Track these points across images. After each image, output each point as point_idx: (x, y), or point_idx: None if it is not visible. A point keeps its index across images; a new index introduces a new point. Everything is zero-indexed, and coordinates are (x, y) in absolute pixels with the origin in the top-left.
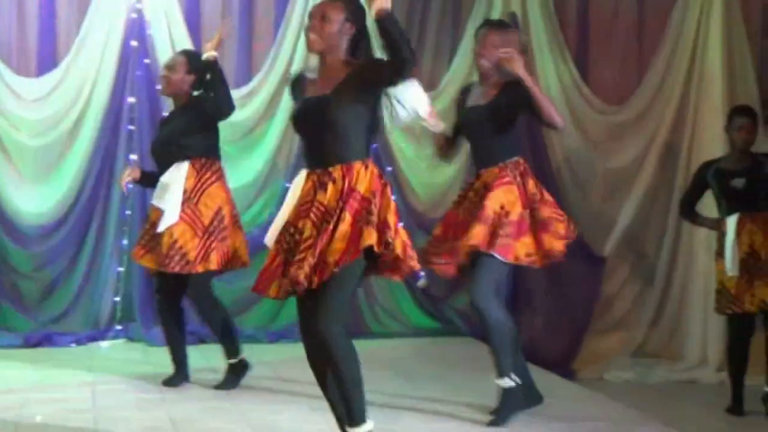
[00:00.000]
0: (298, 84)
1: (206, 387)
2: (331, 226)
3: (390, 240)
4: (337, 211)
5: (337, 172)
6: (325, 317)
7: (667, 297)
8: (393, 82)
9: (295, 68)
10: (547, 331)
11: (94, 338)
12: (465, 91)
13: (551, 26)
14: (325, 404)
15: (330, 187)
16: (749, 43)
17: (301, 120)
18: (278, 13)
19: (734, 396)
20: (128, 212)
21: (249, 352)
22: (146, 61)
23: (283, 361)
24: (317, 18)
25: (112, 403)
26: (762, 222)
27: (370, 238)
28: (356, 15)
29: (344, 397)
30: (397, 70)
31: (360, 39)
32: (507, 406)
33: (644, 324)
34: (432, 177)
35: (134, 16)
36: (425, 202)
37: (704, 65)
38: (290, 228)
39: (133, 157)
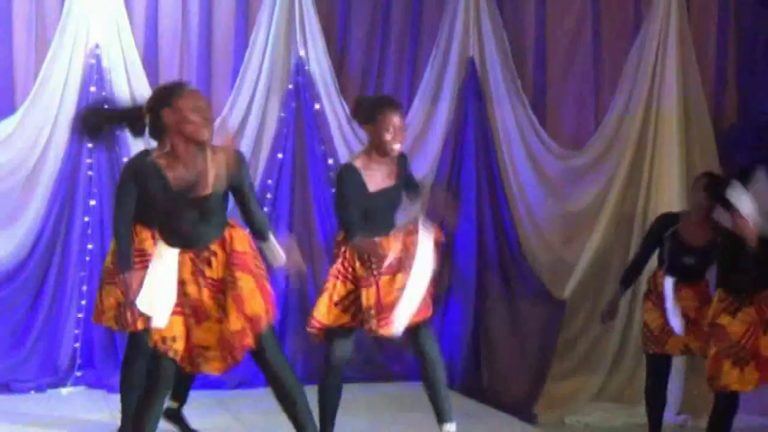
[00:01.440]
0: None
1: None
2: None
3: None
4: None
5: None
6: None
7: (627, 340)
8: None
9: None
10: (507, 375)
11: (53, 385)
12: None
13: (508, 71)
14: None
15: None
16: (704, 87)
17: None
18: (236, 62)
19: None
20: (87, 258)
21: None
22: (103, 93)
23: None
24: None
25: None
26: (697, 290)
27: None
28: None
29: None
30: None
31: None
32: None
33: (604, 367)
34: None
35: (92, 61)
36: None
37: (661, 108)
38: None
39: (92, 203)
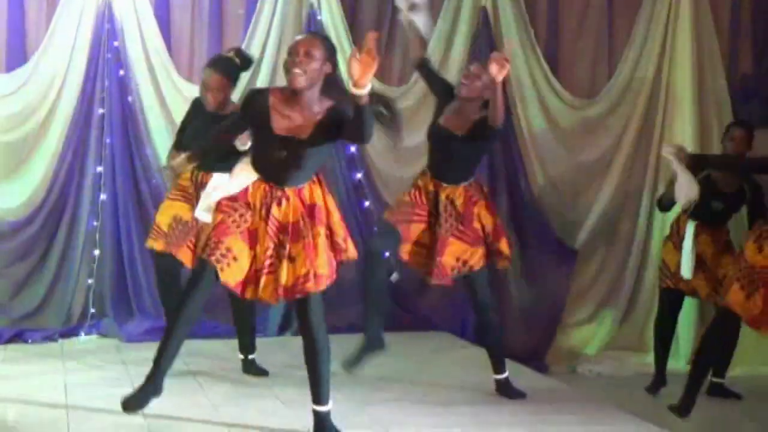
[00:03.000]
0: (257, 100)
1: (178, 382)
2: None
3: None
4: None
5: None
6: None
7: (638, 290)
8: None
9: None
10: (520, 325)
11: (66, 334)
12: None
13: (522, 22)
14: (293, 397)
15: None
16: (718, 38)
17: (275, 149)
18: (249, 9)
19: (658, 371)
20: (100, 208)
21: (225, 346)
22: (115, 43)
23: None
24: (301, 54)
25: (85, 399)
26: (715, 235)
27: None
28: (333, 54)
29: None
30: (355, 141)
31: (333, 80)
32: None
33: (616, 317)
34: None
35: (104, 10)
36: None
37: (674, 59)
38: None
39: (105, 153)
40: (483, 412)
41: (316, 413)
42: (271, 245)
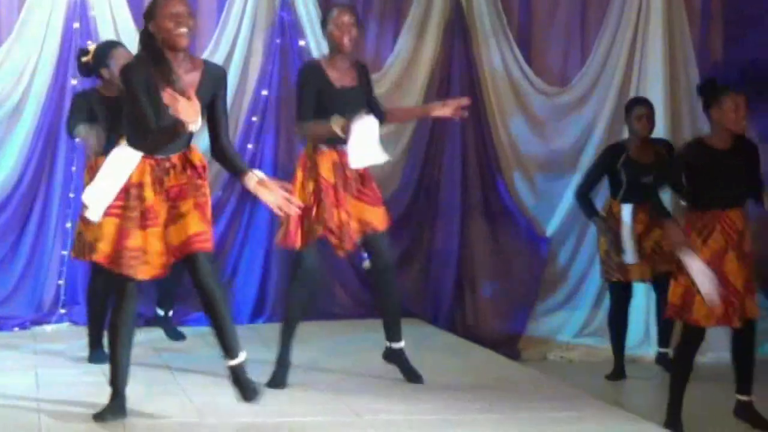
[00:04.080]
0: (140, 71)
1: (151, 369)
2: None
3: None
4: None
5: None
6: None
7: None
8: None
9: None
10: (492, 312)
11: (37, 322)
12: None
13: (494, 7)
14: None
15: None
16: (690, 26)
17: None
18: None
19: (617, 361)
20: (71, 195)
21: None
22: (89, 42)
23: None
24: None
25: (56, 387)
26: (647, 210)
27: None
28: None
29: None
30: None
31: None
32: None
33: (588, 304)
34: None
35: None
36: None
37: (646, 47)
38: None
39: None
40: (456, 398)
41: (231, 368)
42: (165, 213)
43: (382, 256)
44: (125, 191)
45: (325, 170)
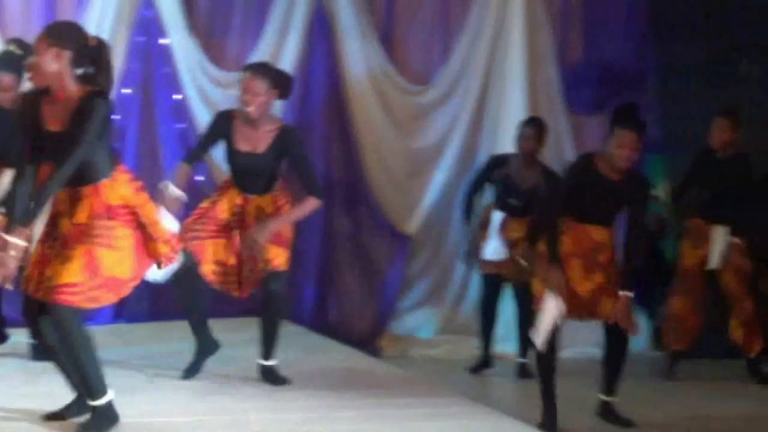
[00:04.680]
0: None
1: None
2: None
3: None
4: None
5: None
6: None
7: (471, 275)
8: None
9: None
10: (353, 310)
11: None
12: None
13: (357, 7)
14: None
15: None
16: (550, 25)
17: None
18: None
19: (483, 352)
20: None
21: None
22: None
23: None
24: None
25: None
26: (523, 223)
27: None
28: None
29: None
30: None
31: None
32: None
33: (450, 301)
34: None
35: None
36: None
37: (507, 46)
38: None
39: None
40: (319, 396)
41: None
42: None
43: (274, 291)
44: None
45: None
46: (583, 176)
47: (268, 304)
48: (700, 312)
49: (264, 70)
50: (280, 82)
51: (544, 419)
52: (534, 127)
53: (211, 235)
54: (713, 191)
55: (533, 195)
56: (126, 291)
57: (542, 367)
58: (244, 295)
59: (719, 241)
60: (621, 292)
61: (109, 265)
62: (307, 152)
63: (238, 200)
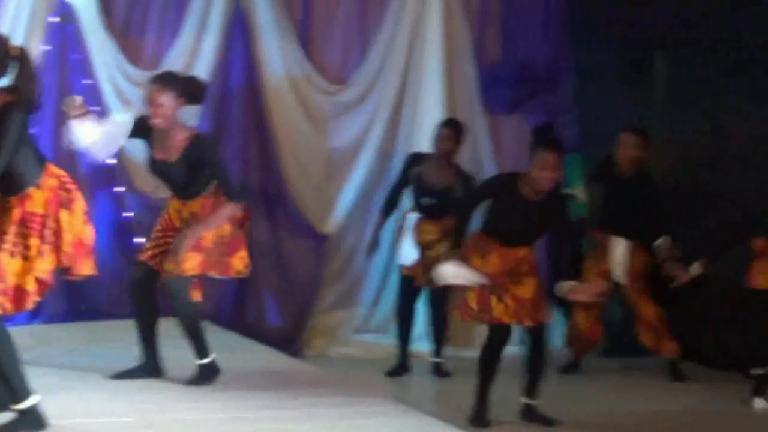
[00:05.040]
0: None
1: None
2: None
3: None
4: None
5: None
6: None
7: (389, 275)
8: None
9: None
10: (272, 310)
11: None
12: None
13: (275, 5)
14: None
15: None
16: (468, 25)
17: None
18: None
19: (400, 355)
20: None
21: None
22: None
23: None
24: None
25: None
26: (437, 225)
27: None
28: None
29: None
30: None
31: None
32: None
33: (368, 300)
34: None
35: None
36: None
37: (424, 45)
38: None
39: None
40: (239, 396)
41: None
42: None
43: (177, 300)
44: None
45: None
46: (507, 197)
47: (173, 307)
48: (601, 323)
49: (167, 80)
50: (187, 90)
51: (474, 414)
52: (451, 128)
53: (164, 246)
54: (614, 207)
55: (446, 196)
56: (29, 304)
57: (484, 362)
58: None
59: (619, 253)
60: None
61: (12, 272)
62: (221, 157)
63: (177, 206)
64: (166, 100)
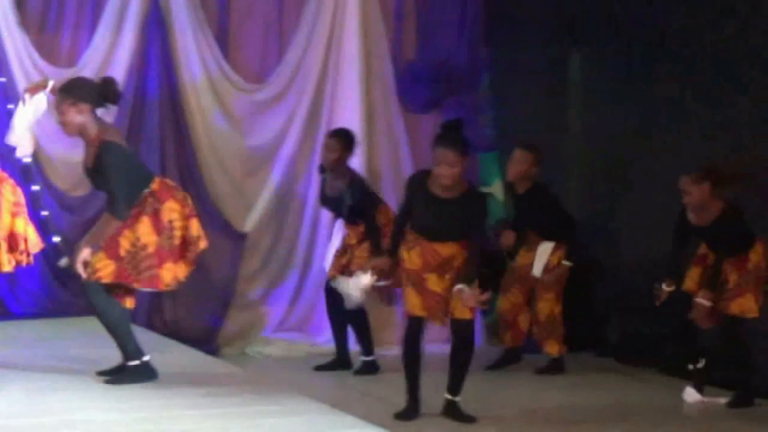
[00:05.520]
0: None
1: None
2: None
3: None
4: None
5: None
6: None
7: (307, 273)
8: None
9: None
10: (190, 309)
11: None
12: None
13: (193, 4)
14: None
15: None
16: (385, 25)
17: None
18: None
19: (338, 353)
20: None
21: None
22: None
23: None
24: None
25: None
26: (354, 230)
27: None
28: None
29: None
30: None
31: None
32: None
33: (286, 299)
34: None
35: None
36: None
37: (342, 44)
38: None
39: None
40: (156, 396)
41: None
42: None
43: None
44: None
45: None
46: (418, 193)
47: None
48: (528, 311)
49: (67, 89)
50: (91, 95)
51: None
52: (336, 139)
53: None
54: (519, 221)
55: (338, 203)
56: None
57: (402, 355)
58: None
59: (542, 254)
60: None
61: None
62: (120, 168)
63: None
64: (66, 108)
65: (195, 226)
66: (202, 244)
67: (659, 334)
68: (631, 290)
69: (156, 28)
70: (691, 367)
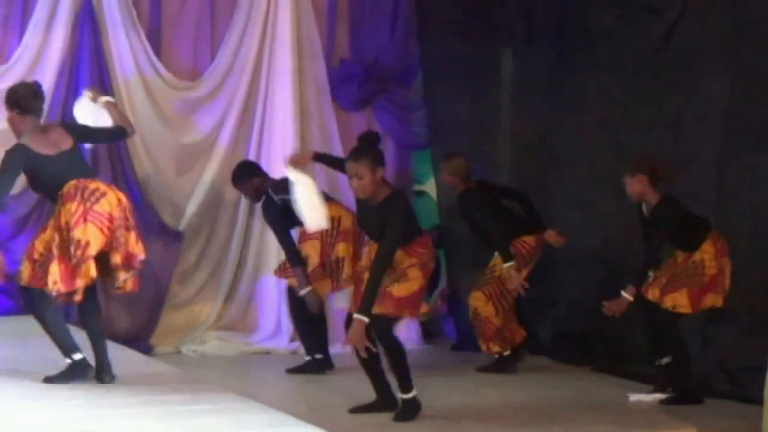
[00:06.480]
0: None
1: None
2: None
3: None
4: None
5: None
6: None
7: (241, 271)
8: None
9: None
10: (123, 307)
11: None
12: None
13: (124, 1)
14: None
15: None
16: (317, 24)
17: None
18: None
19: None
20: None
21: None
22: None
23: None
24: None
25: None
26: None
27: None
28: None
29: None
30: None
31: None
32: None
33: (220, 297)
34: None
35: None
36: None
37: (275, 42)
38: None
39: None
40: (90, 395)
41: None
42: None
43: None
44: None
45: None
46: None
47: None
48: (502, 312)
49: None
50: (13, 98)
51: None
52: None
53: None
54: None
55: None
56: None
57: (364, 358)
58: None
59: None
60: (355, 315)
61: None
62: (7, 169)
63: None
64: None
65: (89, 231)
66: (90, 251)
67: (591, 332)
68: (563, 287)
69: (87, 25)
70: (663, 361)
